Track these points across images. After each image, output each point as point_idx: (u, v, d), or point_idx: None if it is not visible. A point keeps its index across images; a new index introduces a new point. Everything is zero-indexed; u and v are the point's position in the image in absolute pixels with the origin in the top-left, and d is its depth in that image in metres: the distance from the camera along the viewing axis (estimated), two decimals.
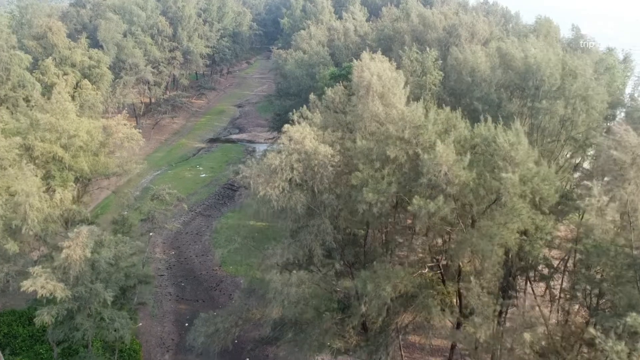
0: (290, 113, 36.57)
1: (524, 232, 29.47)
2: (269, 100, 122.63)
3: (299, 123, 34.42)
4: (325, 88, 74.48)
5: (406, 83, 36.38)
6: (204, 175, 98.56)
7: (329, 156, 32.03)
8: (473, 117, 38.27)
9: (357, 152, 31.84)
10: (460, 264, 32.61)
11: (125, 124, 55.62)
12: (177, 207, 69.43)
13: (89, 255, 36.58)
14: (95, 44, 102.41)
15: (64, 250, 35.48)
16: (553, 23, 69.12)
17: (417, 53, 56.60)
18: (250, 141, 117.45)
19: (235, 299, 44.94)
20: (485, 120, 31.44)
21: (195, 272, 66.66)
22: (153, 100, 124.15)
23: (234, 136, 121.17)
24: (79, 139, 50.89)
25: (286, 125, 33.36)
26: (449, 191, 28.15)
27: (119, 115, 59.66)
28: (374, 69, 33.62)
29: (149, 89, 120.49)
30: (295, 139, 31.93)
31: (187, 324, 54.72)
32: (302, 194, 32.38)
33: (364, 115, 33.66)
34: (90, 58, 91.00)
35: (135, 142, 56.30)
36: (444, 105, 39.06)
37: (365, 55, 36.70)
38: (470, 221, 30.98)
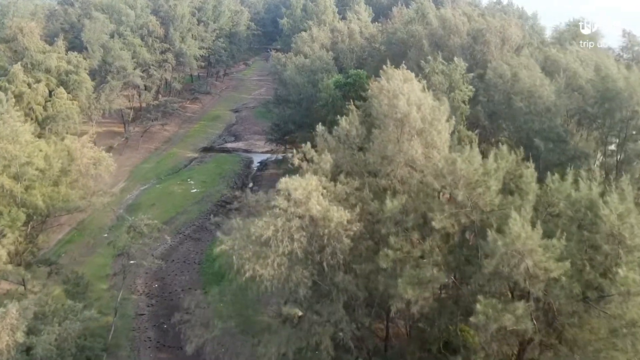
0: (290, 155, 26.94)
1: None
2: (266, 107, 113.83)
3: (301, 168, 24.78)
4: (328, 97, 66.52)
5: (450, 115, 26.64)
6: (195, 190, 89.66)
7: (345, 223, 22.57)
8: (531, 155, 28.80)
9: (385, 217, 22.35)
10: None
11: (92, 147, 46.41)
12: (162, 233, 60.96)
13: (21, 340, 27.48)
14: (82, 45, 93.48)
15: None
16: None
17: (443, 64, 47.03)
18: (246, 150, 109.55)
19: None
20: (575, 172, 21.85)
21: (181, 311, 57.87)
22: (143, 106, 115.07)
23: (229, 145, 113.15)
24: (32, 167, 42.01)
25: (283, 180, 23.50)
26: (529, 289, 18.83)
27: (85, 135, 50.13)
28: (412, 96, 23.90)
29: (138, 94, 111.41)
30: (297, 199, 22.33)
31: None
32: (306, 270, 23.00)
33: (395, 159, 24.08)
34: (68, 62, 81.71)
35: (105, 167, 47.17)
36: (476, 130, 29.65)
37: (395, 73, 26.73)
38: (547, 322, 21.39)
